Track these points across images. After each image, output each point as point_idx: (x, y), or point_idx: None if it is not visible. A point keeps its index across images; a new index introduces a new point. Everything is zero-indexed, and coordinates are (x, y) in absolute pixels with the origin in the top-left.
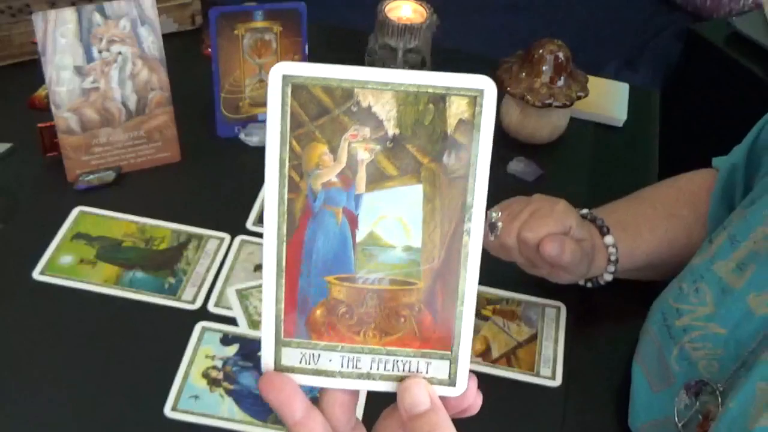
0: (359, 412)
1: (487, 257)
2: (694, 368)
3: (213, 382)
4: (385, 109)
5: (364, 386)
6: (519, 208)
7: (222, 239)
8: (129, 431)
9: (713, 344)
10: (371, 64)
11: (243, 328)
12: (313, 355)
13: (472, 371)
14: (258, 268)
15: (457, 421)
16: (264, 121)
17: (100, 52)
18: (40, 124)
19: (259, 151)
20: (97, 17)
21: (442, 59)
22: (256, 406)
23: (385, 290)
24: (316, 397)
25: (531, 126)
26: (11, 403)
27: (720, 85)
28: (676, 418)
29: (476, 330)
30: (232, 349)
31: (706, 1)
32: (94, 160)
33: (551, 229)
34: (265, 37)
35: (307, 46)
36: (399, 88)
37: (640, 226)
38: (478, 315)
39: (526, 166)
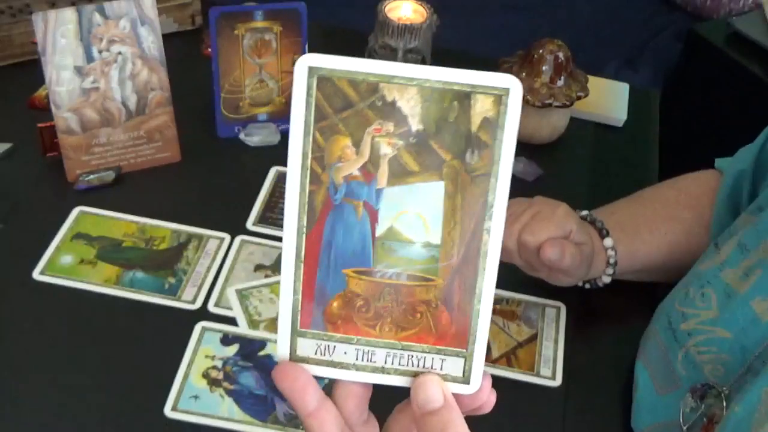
0: None
1: None
2: (699, 372)
3: (213, 382)
4: (410, 105)
5: (378, 380)
6: (520, 210)
7: (222, 239)
8: (129, 431)
9: (718, 348)
10: None
11: (243, 328)
12: (328, 346)
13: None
14: (258, 268)
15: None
16: (264, 122)
17: (100, 52)
18: (40, 124)
19: (259, 151)
20: (97, 17)
21: (442, 59)
22: (256, 406)
23: (403, 285)
24: (328, 386)
25: (531, 126)
26: (11, 403)
27: (720, 85)
28: (682, 421)
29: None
30: (232, 349)
31: (706, 1)
32: (94, 160)
33: (552, 233)
34: (265, 37)
35: (307, 46)
36: (425, 84)
37: (639, 228)
38: None
39: (526, 166)
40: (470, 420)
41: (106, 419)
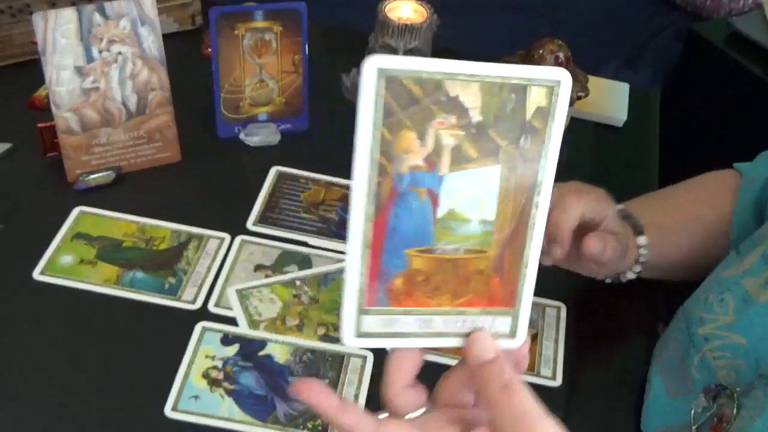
0: None
1: None
2: (713, 377)
3: (213, 382)
4: (471, 99)
5: (436, 343)
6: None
7: (222, 239)
8: (129, 431)
9: (732, 354)
10: None
11: (243, 328)
12: (391, 320)
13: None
14: (258, 268)
15: None
16: (264, 122)
17: (100, 52)
18: (40, 124)
19: (259, 151)
20: (97, 17)
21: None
22: (256, 406)
23: (460, 258)
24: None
25: None
26: (11, 403)
27: (720, 85)
28: (692, 421)
29: None
30: (232, 349)
31: (706, 1)
32: (94, 160)
33: (585, 208)
34: (266, 37)
35: (307, 46)
36: (485, 79)
37: (666, 228)
38: None
39: None
40: None
41: (106, 419)
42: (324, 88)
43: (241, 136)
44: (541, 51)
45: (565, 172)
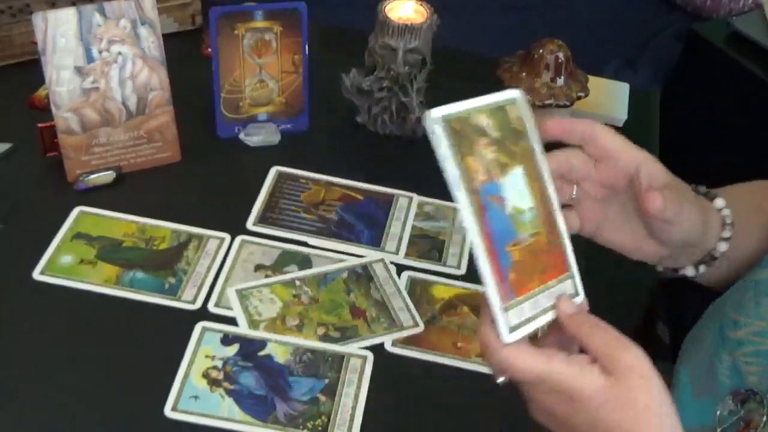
0: (360, 411)
1: None
2: (743, 382)
3: (213, 382)
4: (485, 122)
5: (544, 320)
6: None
7: (222, 239)
8: (129, 431)
9: (765, 360)
10: (371, 64)
11: (243, 328)
12: (518, 310)
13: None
14: (258, 268)
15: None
16: (264, 122)
17: (100, 52)
18: (40, 124)
19: (259, 151)
20: (97, 17)
21: (442, 59)
22: (256, 406)
23: (534, 242)
24: None
25: None
26: (11, 403)
27: (720, 85)
28: (717, 424)
29: (476, 330)
30: (232, 349)
31: (706, 1)
32: (94, 160)
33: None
34: (265, 37)
35: (307, 46)
36: (486, 108)
37: (740, 213)
38: (479, 315)
39: None
40: (469, 420)
41: (106, 419)
42: (324, 88)
43: (241, 136)
44: (541, 51)
45: None
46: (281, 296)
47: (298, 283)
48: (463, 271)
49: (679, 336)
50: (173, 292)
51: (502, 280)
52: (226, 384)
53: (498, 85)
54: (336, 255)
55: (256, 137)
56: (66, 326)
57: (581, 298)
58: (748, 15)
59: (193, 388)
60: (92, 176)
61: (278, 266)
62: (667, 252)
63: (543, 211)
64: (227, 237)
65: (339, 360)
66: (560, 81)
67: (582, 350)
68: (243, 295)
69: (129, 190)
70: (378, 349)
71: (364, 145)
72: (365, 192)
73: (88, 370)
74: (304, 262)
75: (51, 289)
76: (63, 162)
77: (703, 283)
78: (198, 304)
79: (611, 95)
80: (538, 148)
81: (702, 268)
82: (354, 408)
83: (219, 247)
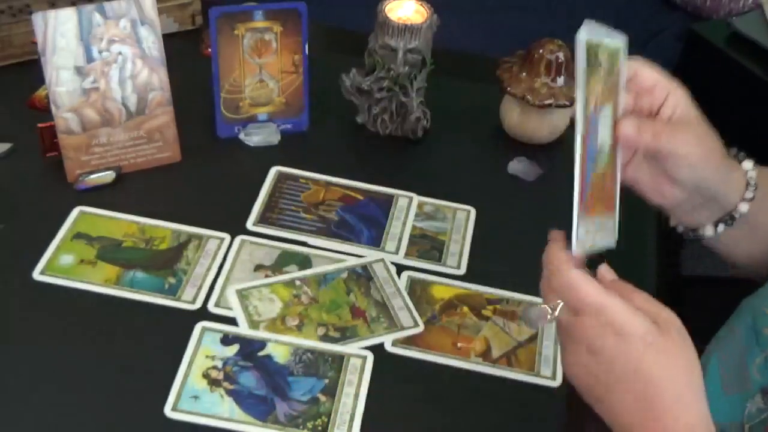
0: (360, 411)
1: (485, 259)
2: None
3: (213, 382)
4: (605, 60)
5: (602, 243)
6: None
7: (222, 239)
8: (129, 431)
9: None
10: (371, 64)
11: (243, 328)
12: (586, 224)
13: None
14: (258, 268)
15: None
16: (264, 122)
17: (100, 52)
18: (40, 124)
19: (259, 151)
20: (97, 17)
21: (442, 59)
22: (256, 406)
23: (603, 174)
24: None
25: (531, 126)
26: (11, 403)
27: (720, 85)
28: (745, 420)
29: (476, 330)
30: (232, 349)
31: (706, 1)
32: (94, 160)
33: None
34: (265, 37)
35: (307, 46)
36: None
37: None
38: (478, 315)
39: (526, 166)
40: (469, 420)
41: (106, 419)
42: (324, 88)
43: (241, 136)
44: (541, 51)
45: (565, 172)
46: (281, 296)
47: (298, 283)
48: (463, 271)
49: None
50: (173, 292)
51: (583, 197)
52: (226, 384)
53: (498, 86)
54: (336, 255)
55: (256, 137)
56: (66, 326)
57: (614, 240)
58: (748, 15)
59: (193, 388)
60: (92, 176)
61: (278, 266)
62: (684, 195)
63: (612, 153)
64: (227, 237)
65: (339, 360)
66: (560, 81)
67: None
68: (243, 295)
69: (129, 190)
70: (378, 349)
71: (364, 145)
72: (365, 192)
73: (88, 370)
74: (304, 262)
75: (51, 289)
76: (63, 162)
77: (719, 251)
78: (198, 304)
79: None
80: (622, 93)
81: (721, 228)
82: (354, 408)
83: (219, 247)
